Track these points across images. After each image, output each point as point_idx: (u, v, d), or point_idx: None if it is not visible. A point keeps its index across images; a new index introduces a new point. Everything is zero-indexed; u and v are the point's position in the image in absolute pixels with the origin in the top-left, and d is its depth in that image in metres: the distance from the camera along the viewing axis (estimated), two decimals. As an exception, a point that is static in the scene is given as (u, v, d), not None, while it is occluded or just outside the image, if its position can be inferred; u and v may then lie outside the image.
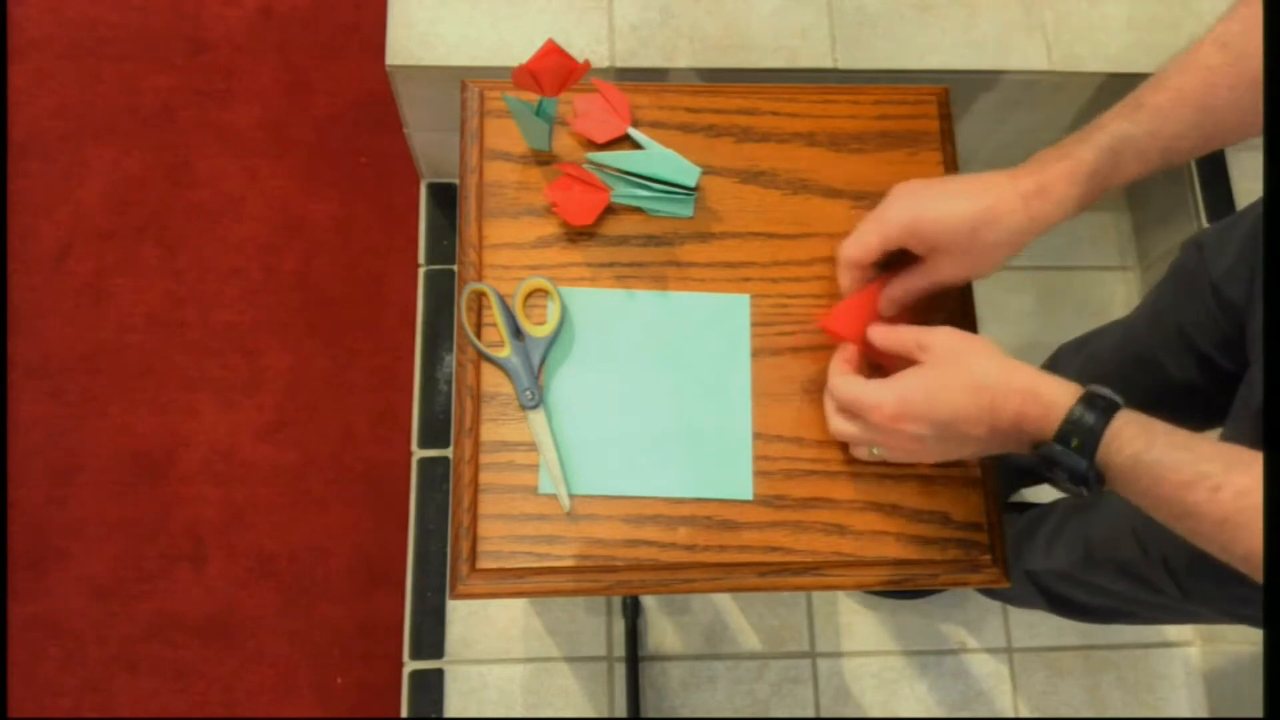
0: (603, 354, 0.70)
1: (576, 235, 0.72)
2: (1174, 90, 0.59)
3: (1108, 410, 0.54)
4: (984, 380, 0.58)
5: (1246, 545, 0.49)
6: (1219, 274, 0.78)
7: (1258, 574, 0.49)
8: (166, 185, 1.40)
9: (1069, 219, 0.61)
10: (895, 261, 0.66)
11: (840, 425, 0.65)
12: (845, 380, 0.64)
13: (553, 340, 0.69)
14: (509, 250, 0.72)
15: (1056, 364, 1.06)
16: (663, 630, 1.26)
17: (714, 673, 1.25)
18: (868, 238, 0.64)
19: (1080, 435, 0.54)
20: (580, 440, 0.67)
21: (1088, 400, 0.55)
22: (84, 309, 1.35)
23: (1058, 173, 0.59)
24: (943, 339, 0.61)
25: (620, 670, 1.24)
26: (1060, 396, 0.56)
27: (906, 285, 0.65)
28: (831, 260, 0.72)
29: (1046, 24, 1.18)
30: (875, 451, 0.64)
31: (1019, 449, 0.59)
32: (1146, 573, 0.81)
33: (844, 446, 0.68)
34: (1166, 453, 0.52)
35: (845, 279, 0.67)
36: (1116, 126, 0.59)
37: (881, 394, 0.61)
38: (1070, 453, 0.54)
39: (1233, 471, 0.50)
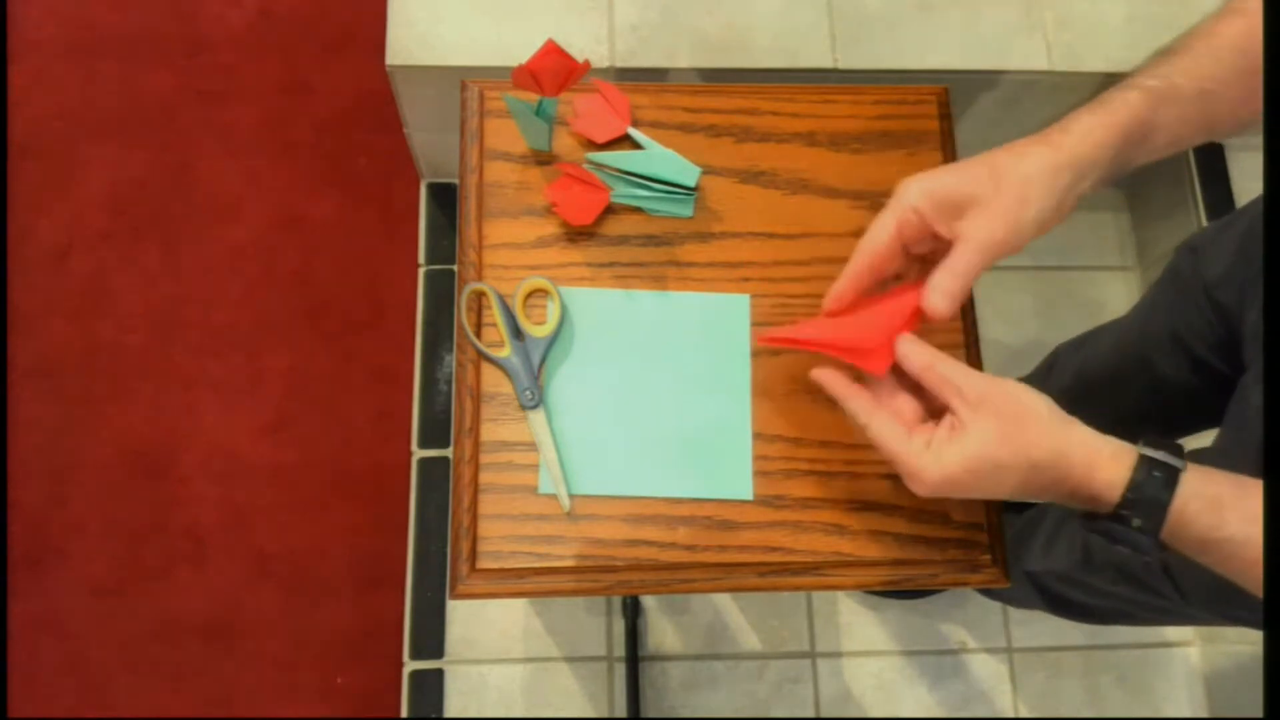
0: (603, 354, 0.70)
1: (576, 235, 0.72)
2: (1211, 34, 0.56)
3: (1169, 483, 0.50)
4: (1038, 461, 0.52)
5: None
6: (1212, 278, 0.78)
7: None
8: (166, 185, 1.40)
9: (1104, 159, 0.54)
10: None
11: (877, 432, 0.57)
12: (886, 428, 0.55)
13: (553, 340, 0.69)
14: (509, 250, 0.71)
15: (1055, 364, 1.06)
16: (663, 630, 1.26)
17: (714, 673, 1.25)
18: (883, 221, 0.56)
19: (1142, 516, 0.51)
20: (580, 440, 0.67)
21: (1146, 473, 0.51)
22: (84, 309, 1.35)
23: (1080, 112, 0.55)
24: (989, 397, 0.53)
25: (620, 670, 1.24)
26: (1118, 474, 0.51)
27: (952, 268, 0.55)
28: (831, 260, 0.72)
29: (1046, 24, 1.17)
30: None
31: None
32: (1146, 575, 0.81)
33: (844, 447, 0.68)
34: (1239, 529, 0.49)
35: (857, 264, 0.58)
36: (1145, 73, 0.56)
37: (924, 463, 0.53)
38: (1131, 532, 0.51)
39: None
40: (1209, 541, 0.50)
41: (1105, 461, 0.52)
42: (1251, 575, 0.50)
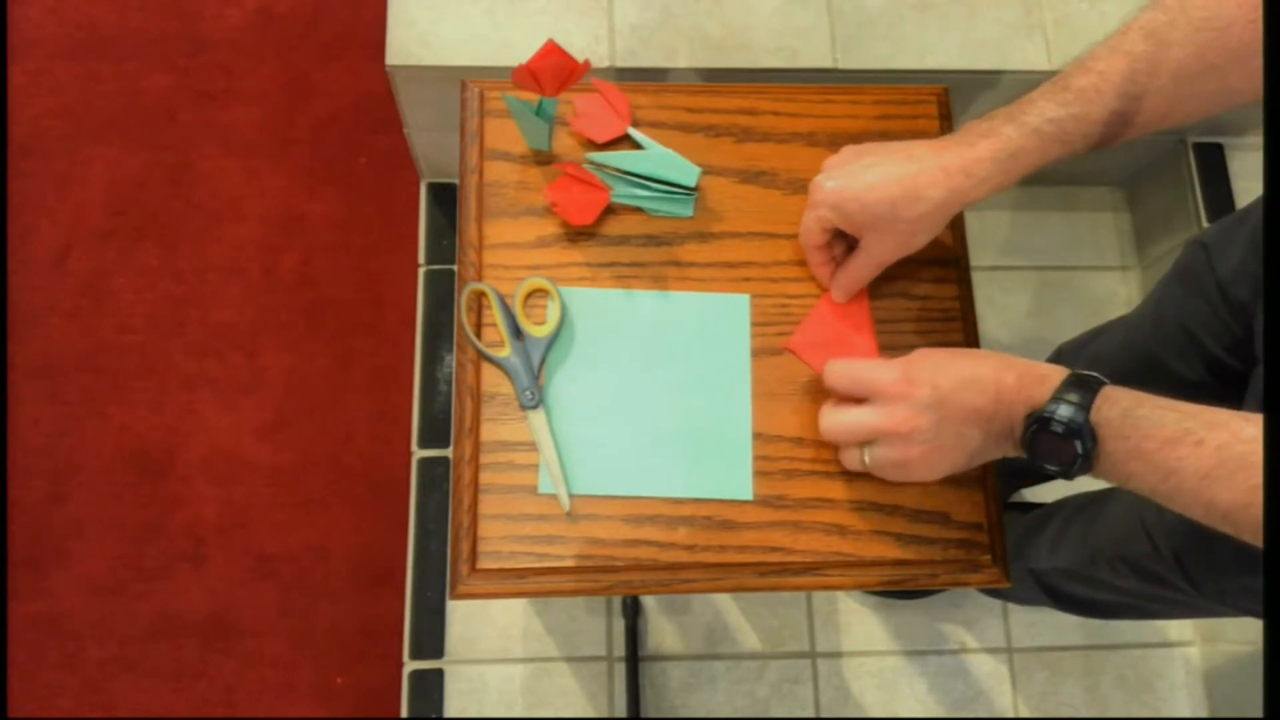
0: (603, 354, 0.70)
1: (576, 235, 0.72)
2: (1097, 74, 0.60)
3: (1098, 381, 0.56)
4: (984, 355, 0.60)
5: (1227, 499, 0.50)
6: (1225, 274, 0.78)
7: (1238, 530, 0.50)
8: (166, 185, 1.40)
9: (991, 196, 0.62)
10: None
11: (834, 419, 0.63)
12: (845, 363, 0.64)
13: (553, 340, 0.69)
14: (509, 250, 0.71)
15: (1059, 362, 1.06)
16: (663, 630, 1.26)
17: (714, 673, 1.25)
18: (808, 223, 0.68)
19: (1078, 392, 0.55)
20: (580, 440, 0.67)
21: (1078, 374, 0.57)
22: (84, 309, 1.35)
23: (983, 151, 0.61)
24: (913, 355, 0.63)
25: (620, 670, 1.24)
26: (1054, 370, 0.58)
27: (849, 273, 0.69)
28: (831, 260, 0.72)
29: (1046, 24, 1.18)
30: (866, 459, 0.63)
31: (1012, 443, 0.59)
32: (1158, 568, 0.81)
33: (844, 446, 0.68)
34: (1153, 411, 0.54)
35: (814, 263, 0.71)
36: (1044, 108, 0.61)
37: (888, 367, 0.61)
38: (1069, 405, 0.55)
39: (1215, 429, 0.51)
40: (1129, 419, 0.54)
41: (1041, 364, 0.59)
42: (1160, 457, 0.53)
